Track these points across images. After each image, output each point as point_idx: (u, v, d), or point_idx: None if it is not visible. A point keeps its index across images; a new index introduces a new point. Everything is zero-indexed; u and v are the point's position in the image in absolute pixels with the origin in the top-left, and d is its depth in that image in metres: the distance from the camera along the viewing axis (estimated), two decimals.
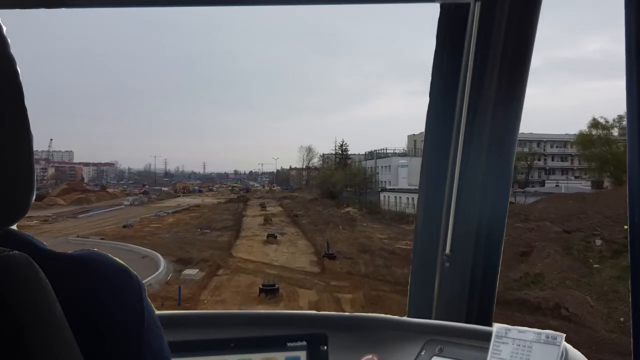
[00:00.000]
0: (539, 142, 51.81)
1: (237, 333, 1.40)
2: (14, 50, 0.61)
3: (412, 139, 55.51)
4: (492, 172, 1.58)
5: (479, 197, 1.60)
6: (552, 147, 52.44)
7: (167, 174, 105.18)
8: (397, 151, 55.98)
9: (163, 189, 71.59)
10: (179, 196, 63.26)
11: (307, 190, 65.99)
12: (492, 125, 1.56)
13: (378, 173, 53.59)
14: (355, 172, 54.49)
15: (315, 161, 75.42)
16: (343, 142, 67.90)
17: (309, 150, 78.14)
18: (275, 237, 26.25)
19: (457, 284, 1.65)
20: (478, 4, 1.50)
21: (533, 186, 46.31)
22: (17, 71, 0.60)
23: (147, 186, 76.23)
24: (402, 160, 50.03)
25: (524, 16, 1.47)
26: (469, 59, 1.54)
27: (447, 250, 1.65)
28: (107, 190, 65.70)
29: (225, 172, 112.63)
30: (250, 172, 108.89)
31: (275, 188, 78.65)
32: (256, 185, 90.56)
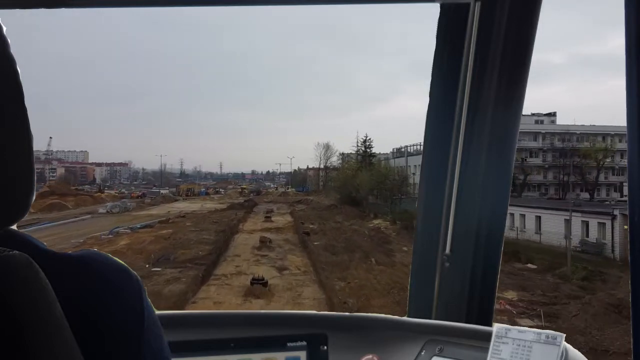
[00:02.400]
0: (604, 136, 44.01)
1: (237, 333, 1.40)
2: (14, 50, 0.61)
3: None
4: (492, 172, 1.58)
5: (479, 197, 1.60)
6: (620, 141, 42.32)
7: (182, 174, 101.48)
8: None
9: (162, 191, 63.27)
10: (177, 200, 55.35)
11: (324, 193, 57.27)
12: (492, 125, 1.56)
13: (414, 174, 41.02)
14: (385, 172, 43.25)
15: (334, 160, 65.63)
16: (366, 137, 56.45)
17: (327, 147, 67.38)
18: (266, 284, 15.48)
19: (457, 284, 1.65)
20: (478, 4, 1.50)
21: (598, 190, 39.40)
22: (17, 71, 0.60)
23: (156, 187, 70.67)
24: None
25: (524, 16, 1.47)
26: (469, 59, 1.54)
27: (447, 250, 1.65)
28: (102, 192, 58.66)
29: (242, 173, 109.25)
30: (268, 172, 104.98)
31: (289, 190, 70.82)
32: (271, 186, 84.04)
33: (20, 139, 0.60)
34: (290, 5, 1.79)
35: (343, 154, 61.93)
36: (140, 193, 59.56)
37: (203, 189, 71.28)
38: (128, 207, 43.04)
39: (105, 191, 63.32)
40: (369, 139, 56.47)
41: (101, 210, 40.33)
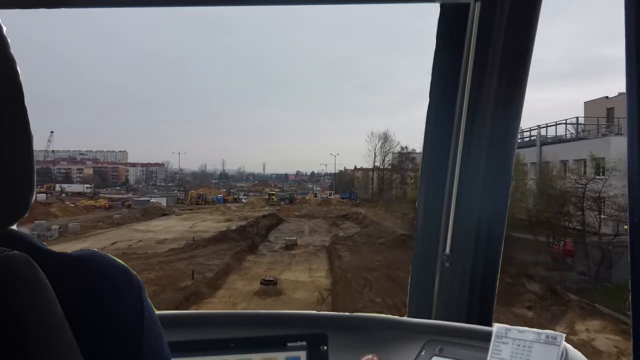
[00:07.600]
0: None
1: (237, 333, 1.40)
2: (14, 50, 0.61)
3: (601, 106, 24.79)
4: (492, 172, 1.58)
5: (479, 197, 1.61)
6: None
7: (221, 175, 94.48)
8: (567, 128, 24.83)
9: (151, 199, 46.29)
10: (167, 214, 38.24)
11: (382, 204, 38.42)
12: (492, 125, 1.56)
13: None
14: (557, 174, 20.60)
15: (393, 156, 46.48)
16: None
17: (385, 139, 46.77)
18: None
19: (457, 284, 1.65)
20: (478, 4, 1.50)
21: None
22: (17, 71, 0.61)
23: (177, 191, 56.64)
24: None
25: (524, 16, 1.47)
26: (469, 59, 1.54)
27: (447, 250, 1.65)
28: (87, 200, 43.73)
29: (285, 173, 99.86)
30: (312, 172, 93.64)
31: (331, 197, 52.05)
32: (313, 189, 67.14)
33: (20, 139, 0.60)
34: (297, 5, 1.79)
35: (405, 148, 44.83)
36: (130, 201, 44.96)
37: (220, 195, 54.40)
38: (44, 235, 23.15)
39: (101, 197, 49.68)
40: None
41: None
